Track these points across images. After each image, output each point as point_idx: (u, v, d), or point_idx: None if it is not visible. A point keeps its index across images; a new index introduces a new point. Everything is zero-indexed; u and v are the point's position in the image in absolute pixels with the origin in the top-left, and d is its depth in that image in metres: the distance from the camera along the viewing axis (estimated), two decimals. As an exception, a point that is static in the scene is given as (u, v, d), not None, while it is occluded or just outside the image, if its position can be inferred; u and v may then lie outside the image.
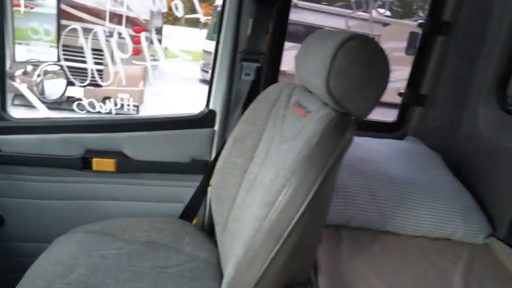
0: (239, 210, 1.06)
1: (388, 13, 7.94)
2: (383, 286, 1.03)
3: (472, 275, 1.12)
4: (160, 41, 5.16)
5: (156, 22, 5.77)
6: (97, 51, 4.30)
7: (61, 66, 1.59)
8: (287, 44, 1.49)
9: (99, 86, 4.59)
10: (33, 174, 1.38)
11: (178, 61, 4.69)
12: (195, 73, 8.17)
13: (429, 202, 1.25)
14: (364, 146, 1.43)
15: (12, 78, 1.37)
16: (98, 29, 3.92)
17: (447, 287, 1.08)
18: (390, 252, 1.18)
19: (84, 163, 1.38)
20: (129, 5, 4.53)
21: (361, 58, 0.78)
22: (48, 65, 1.52)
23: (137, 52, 4.31)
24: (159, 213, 1.49)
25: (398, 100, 1.77)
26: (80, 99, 4.32)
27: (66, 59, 4.04)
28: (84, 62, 4.36)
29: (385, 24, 7.34)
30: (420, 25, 1.67)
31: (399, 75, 1.84)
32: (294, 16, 1.45)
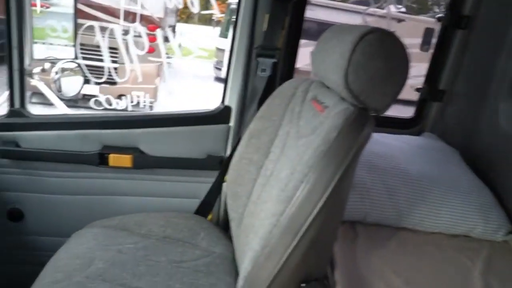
0: (254, 205, 1.06)
1: (403, 9, 7.84)
2: (400, 282, 1.02)
3: (492, 273, 1.10)
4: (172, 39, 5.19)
5: (169, 20, 5.80)
6: (112, 49, 4.36)
7: (78, 64, 1.61)
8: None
9: (114, 84, 4.65)
10: (52, 169, 1.40)
11: (191, 59, 4.71)
12: (208, 71, 8.20)
13: (447, 198, 1.23)
14: (380, 142, 1.42)
15: (31, 75, 1.39)
16: (115, 27, 3.95)
17: (466, 284, 1.06)
18: (407, 249, 1.17)
19: (101, 159, 1.39)
20: (143, 4, 4.56)
21: (380, 52, 0.77)
22: (66, 62, 1.55)
23: (151, 50, 4.35)
24: (174, 208, 1.50)
25: (412, 96, 1.74)
26: (96, 96, 4.38)
27: (82, 58, 4.10)
28: (99, 60, 4.42)
29: (400, 20, 7.25)
30: (439, 19, 1.64)
31: (414, 72, 1.81)
32: (307, 13, 1.44)
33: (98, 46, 4.23)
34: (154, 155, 1.43)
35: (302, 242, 0.78)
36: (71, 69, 1.57)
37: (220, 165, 1.46)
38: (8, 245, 1.45)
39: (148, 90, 4.74)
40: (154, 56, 4.50)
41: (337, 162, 0.78)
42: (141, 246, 1.18)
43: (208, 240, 1.26)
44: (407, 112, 1.78)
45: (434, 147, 1.49)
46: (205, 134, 1.45)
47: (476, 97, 1.53)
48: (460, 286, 1.05)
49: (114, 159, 1.40)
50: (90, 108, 4.48)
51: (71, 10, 1.89)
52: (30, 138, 1.35)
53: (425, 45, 7.50)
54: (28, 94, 1.39)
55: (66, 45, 1.79)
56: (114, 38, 4.00)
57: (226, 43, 7.71)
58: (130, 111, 4.49)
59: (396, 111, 1.25)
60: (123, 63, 4.37)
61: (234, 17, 1.40)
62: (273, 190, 0.93)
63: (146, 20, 4.58)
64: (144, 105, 4.65)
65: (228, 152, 1.46)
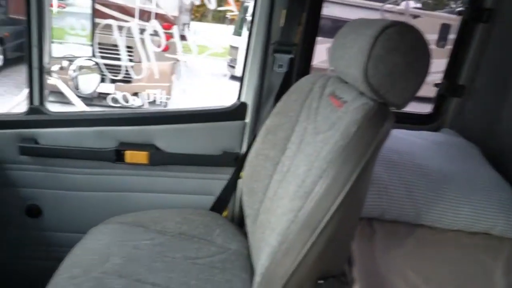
0: (270, 201, 1.06)
1: (418, 4, 7.74)
2: (420, 280, 1.00)
3: None
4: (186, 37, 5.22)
5: (183, 19, 5.83)
6: (127, 48, 4.40)
7: (96, 61, 1.63)
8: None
9: (129, 82, 4.70)
10: (69, 166, 1.42)
11: (205, 57, 4.73)
12: (222, 68, 8.21)
13: (466, 195, 1.20)
14: (398, 138, 1.39)
15: (49, 73, 1.41)
16: (132, 25, 3.99)
17: (487, 283, 1.04)
18: (426, 246, 1.15)
19: (117, 156, 1.40)
20: (158, 2, 4.59)
21: (401, 45, 0.76)
22: (84, 60, 1.56)
23: (166, 48, 4.39)
24: (190, 205, 1.51)
25: (427, 93, 1.71)
26: (113, 94, 4.44)
27: (100, 56, 4.16)
28: (114, 58, 4.48)
29: (415, 16, 7.15)
30: (459, 13, 1.61)
31: (431, 68, 1.78)
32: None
33: (114, 45, 4.28)
34: (170, 152, 1.44)
35: (320, 238, 0.78)
36: (88, 67, 1.59)
37: (235, 161, 1.46)
38: (26, 241, 1.48)
39: (162, 88, 4.78)
40: (169, 54, 4.54)
41: (356, 157, 0.77)
42: (157, 242, 1.19)
43: (224, 237, 1.26)
44: (422, 109, 1.75)
45: (453, 143, 1.46)
46: (221, 131, 1.45)
47: (497, 92, 1.49)
48: (482, 287, 1.03)
49: (130, 155, 1.41)
50: (105, 106, 4.54)
51: (86, 10, 1.92)
52: (49, 135, 1.37)
53: (441, 41, 7.40)
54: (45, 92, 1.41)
55: (83, 44, 1.81)
56: (131, 37, 4.03)
57: (239, 41, 7.74)
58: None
59: (411, 108, 1.23)
60: (138, 62, 4.41)
61: (248, 15, 1.40)
62: (290, 186, 0.92)
63: (161, 19, 4.62)
64: (161, 102, 4.69)
65: (244, 148, 1.46)
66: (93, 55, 1.72)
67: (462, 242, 1.18)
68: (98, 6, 4.41)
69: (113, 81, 4.62)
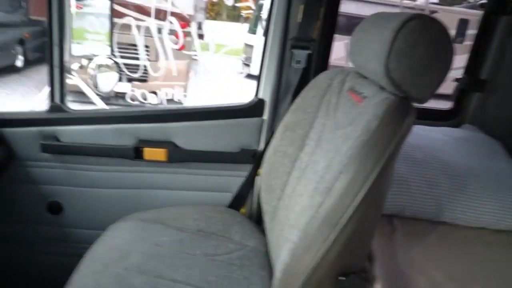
0: (289, 198, 1.05)
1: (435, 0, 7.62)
2: (443, 278, 0.98)
3: None
4: (202, 36, 5.25)
5: (198, 17, 5.85)
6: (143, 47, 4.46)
7: (115, 60, 1.64)
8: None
9: (145, 81, 4.75)
10: (89, 163, 1.43)
11: (221, 55, 4.76)
12: (237, 67, 8.23)
13: (490, 192, 1.17)
14: (418, 134, 1.37)
15: (69, 71, 1.43)
16: (151, 24, 4.02)
17: None
18: (448, 243, 1.12)
19: (136, 153, 1.42)
20: (173, 1, 4.62)
21: (423, 39, 0.74)
22: (104, 58, 1.58)
23: (182, 47, 4.42)
24: (207, 202, 1.51)
25: (445, 90, 1.67)
26: (131, 92, 4.50)
27: (119, 56, 4.23)
28: (132, 58, 4.53)
29: (432, 12, 7.04)
30: (481, 5, 1.57)
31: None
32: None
33: (131, 44, 4.33)
34: (188, 149, 1.44)
35: (341, 234, 0.77)
36: (107, 65, 1.61)
37: (253, 158, 1.46)
38: (48, 237, 1.50)
39: (179, 86, 4.81)
40: (183, 54, 4.57)
41: (377, 153, 0.76)
42: (176, 239, 1.19)
43: (242, 234, 1.26)
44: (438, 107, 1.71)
45: (475, 139, 1.43)
46: (239, 128, 1.45)
47: None
48: (510, 287, 1.00)
49: (149, 152, 1.42)
50: (122, 105, 4.60)
51: (104, 10, 1.94)
52: (69, 133, 1.39)
53: (459, 36, 7.27)
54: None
55: (102, 43, 1.84)
56: (148, 36, 4.07)
57: (254, 39, 7.74)
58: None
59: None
60: (154, 60, 4.46)
61: (262, 13, 1.39)
62: (309, 182, 0.92)
63: (177, 17, 4.65)
64: (178, 100, 4.74)
65: (261, 145, 1.46)
66: (112, 54, 1.74)
67: (486, 240, 1.15)
68: (115, 6, 4.46)
69: (129, 80, 4.68)
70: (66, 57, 1.36)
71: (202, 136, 1.44)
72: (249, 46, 7.94)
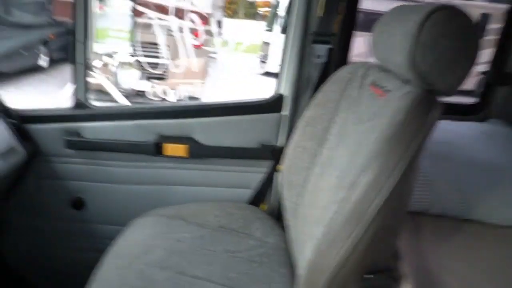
0: (310, 194, 1.04)
1: (455, -6, 7.42)
2: (477, 277, 0.95)
3: None
4: (220, 34, 5.26)
5: (216, 15, 5.87)
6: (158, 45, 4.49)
7: (136, 59, 1.66)
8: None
9: (163, 79, 4.81)
10: (111, 159, 1.45)
11: (239, 52, 4.77)
12: (254, 64, 8.23)
13: (520, 189, 1.13)
14: (444, 129, 1.32)
15: (90, 68, 1.45)
16: (171, 23, 4.04)
17: None
18: (477, 241, 1.08)
19: (157, 149, 1.42)
20: (192, 0, 4.65)
21: (449, 30, 0.72)
22: (125, 56, 1.60)
23: (201, 45, 4.43)
24: (227, 198, 1.51)
25: (467, 86, 1.62)
26: (152, 88, 4.56)
27: (141, 55, 4.29)
28: (152, 56, 4.58)
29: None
30: None
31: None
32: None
33: (151, 43, 4.38)
34: (208, 145, 1.44)
35: (366, 230, 0.75)
36: (129, 63, 1.63)
37: (272, 154, 1.45)
38: (70, 232, 1.53)
39: (197, 83, 4.84)
40: (201, 52, 4.59)
41: (403, 147, 0.74)
42: (197, 235, 1.19)
43: (262, 230, 1.25)
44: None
45: (503, 134, 1.38)
46: (259, 123, 1.44)
47: None
48: None
49: (169, 148, 1.43)
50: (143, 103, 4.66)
51: (125, 10, 1.97)
52: (92, 129, 1.41)
53: (481, 31, 7.09)
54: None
55: (123, 41, 1.86)
56: (170, 35, 4.09)
57: (271, 37, 7.73)
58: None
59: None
60: (174, 59, 4.50)
61: (279, 10, 1.38)
62: (331, 178, 0.90)
63: (196, 16, 4.67)
64: (198, 97, 4.78)
65: (280, 141, 1.45)
66: (134, 53, 1.76)
67: None
68: (136, 6, 4.52)
69: (148, 78, 4.74)
70: (89, 55, 1.38)
71: (222, 132, 1.43)
72: (266, 44, 7.94)
